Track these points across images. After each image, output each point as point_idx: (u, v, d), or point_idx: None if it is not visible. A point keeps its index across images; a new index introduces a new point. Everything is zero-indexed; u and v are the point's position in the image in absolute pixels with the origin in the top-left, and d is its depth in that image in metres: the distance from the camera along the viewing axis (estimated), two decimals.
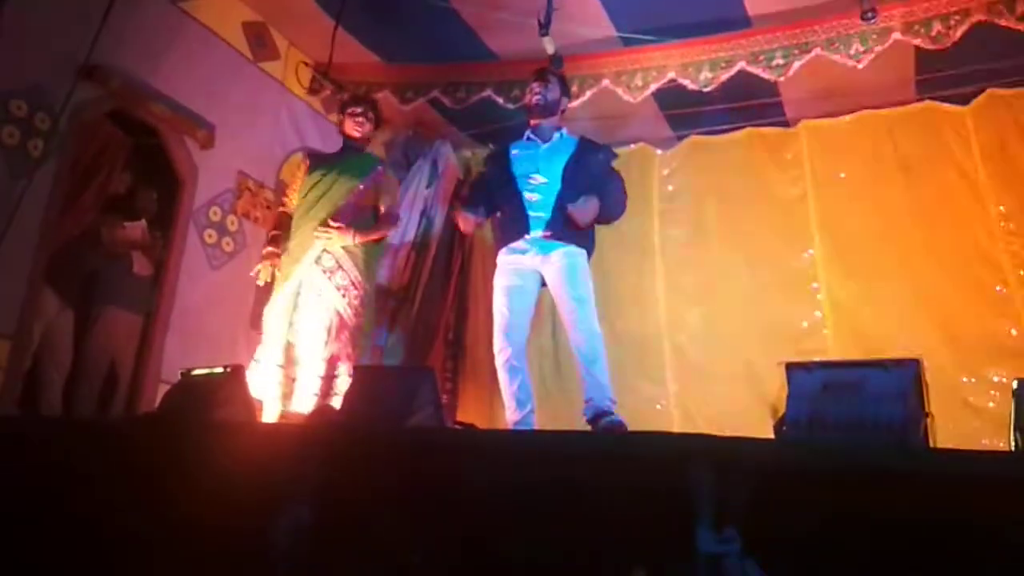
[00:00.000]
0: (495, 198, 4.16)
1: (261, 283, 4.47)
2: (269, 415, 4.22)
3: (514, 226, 4.01)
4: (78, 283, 4.89)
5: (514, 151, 4.15)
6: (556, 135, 4.13)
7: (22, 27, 4.25)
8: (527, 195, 3.99)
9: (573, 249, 3.92)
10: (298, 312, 4.31)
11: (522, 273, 3.98)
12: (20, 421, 4.13)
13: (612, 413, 3.65)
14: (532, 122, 4.17)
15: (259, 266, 4.44)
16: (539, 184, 3.99)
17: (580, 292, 3.88)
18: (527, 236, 3.94)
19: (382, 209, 4.62)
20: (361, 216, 4.52)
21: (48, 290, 4.64)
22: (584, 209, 3.87)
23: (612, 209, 4.04)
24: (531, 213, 3.95)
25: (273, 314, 4.33)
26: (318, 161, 4.64)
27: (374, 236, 4.57)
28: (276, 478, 2.52)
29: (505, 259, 4.03)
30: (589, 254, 4.01)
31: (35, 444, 3.21)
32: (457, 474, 2.48)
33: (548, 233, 3.91)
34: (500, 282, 4.02)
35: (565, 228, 3.91)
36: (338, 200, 4.45)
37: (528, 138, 4.16)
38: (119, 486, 2.74)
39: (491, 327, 3.98)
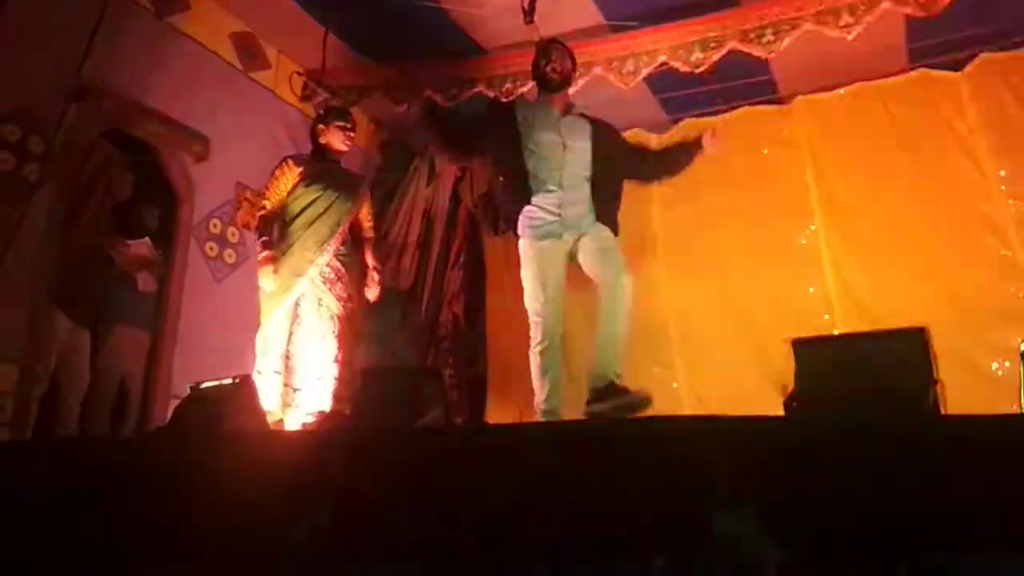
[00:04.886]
0: None
1: (270, 288, 4.44)
2: (289, 424, 4.28)
3: None
4: (87, 303, 4.90)
5: None
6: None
7: (10, 50, 4.26)
8: None
9: None
10: (299, 322, 4.37)
11: None
12: (33, 444, 4.14)
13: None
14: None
15: (262, 274, 4.41)
16: None
17: None
18: None
19: (365, 225, 4.77)
20: (351, 234, 4.68)
21: (59, 312, 4.65)
22: None
23: None
24: None
25: (273, 325, 4.36)
26: (312, 172, 4.58)
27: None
28: (290, 485, 2.52)
29: None
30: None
31: (50, 467, 3.22)
32: (472, 470, 2.48)
33: None
34: None
35: None
36: (340, 221, 4.53)
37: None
38: (133, 503, 2.75)
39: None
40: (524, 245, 3.87)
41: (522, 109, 4.08)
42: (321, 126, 4.69)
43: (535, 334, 3.76)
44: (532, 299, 3.79)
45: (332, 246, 4.48)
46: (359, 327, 4.63)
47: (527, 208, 3.86)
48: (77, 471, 3.08)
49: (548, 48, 4.07)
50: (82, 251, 4.88)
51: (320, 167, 4.63)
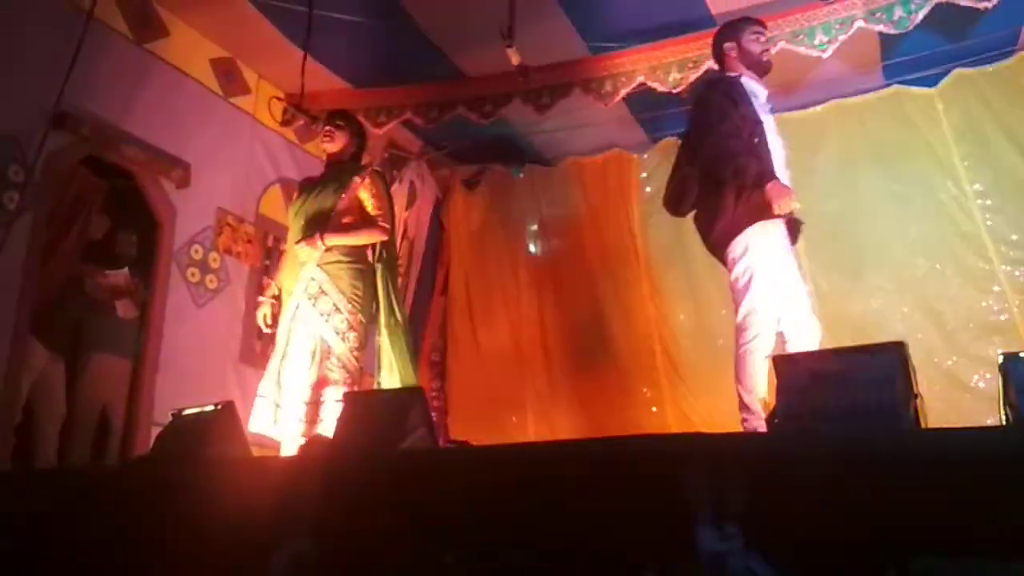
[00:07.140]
0: None
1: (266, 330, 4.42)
2: (288, 447, 4.14)
3: None
4: (65, 333, 4.86)
5: None
6: None
7: None
8: None
9: None
10: (289, 341, 4.28)
11: None
12: (13, 476, 4.10)
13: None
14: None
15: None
16: None
17: None
18: None
19: (370, 212, 4.40)
20: (338, 225, 4.32)
21: (35, 342, 4.60)
22: None
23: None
24: None
25: (275, 345, 4.32)
26: (304, 186, 4.56)
27: (351, 239, 4.34)
28: (273, 512, 2.50)
29: None
30: None
31: (30, 498, 3.19)
32: (456, 492, 2.47)
33: None
34: None
35: None
36: (317, 220, 4.30)
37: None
38: (117, 532, 2.72)
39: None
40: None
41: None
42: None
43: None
44: None
45: (316, 256, 4.27)
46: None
47: None
48: (56, 501, 3.05)
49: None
50: (60, 280, 4.84)
51: (316, 178, 4.57)
